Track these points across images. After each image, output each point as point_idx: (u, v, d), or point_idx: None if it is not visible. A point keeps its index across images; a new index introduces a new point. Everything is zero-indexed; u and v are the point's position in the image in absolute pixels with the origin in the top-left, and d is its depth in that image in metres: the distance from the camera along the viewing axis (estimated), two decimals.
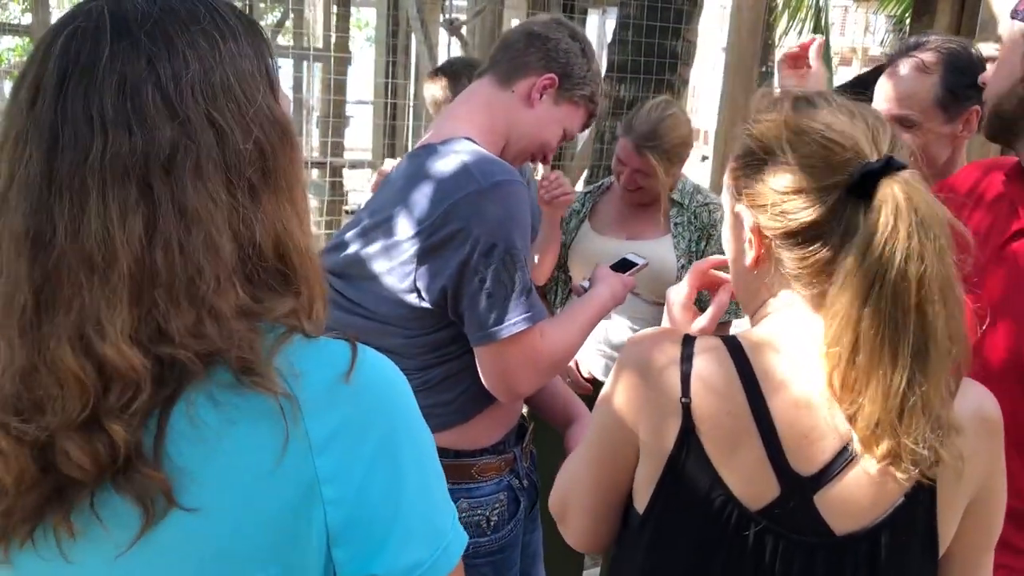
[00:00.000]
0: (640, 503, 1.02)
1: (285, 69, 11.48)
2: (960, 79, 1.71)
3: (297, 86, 7.59)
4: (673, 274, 2.20)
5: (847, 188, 0.89)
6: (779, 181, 0.93)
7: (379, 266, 1.46)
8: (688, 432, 0.97)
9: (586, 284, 1.69)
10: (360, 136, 9.38)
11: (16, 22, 9.54)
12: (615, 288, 1.64)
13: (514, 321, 1.41)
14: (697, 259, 2.20)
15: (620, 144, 2.27)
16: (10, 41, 11.66)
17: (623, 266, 1.74)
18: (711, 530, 0.96)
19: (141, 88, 0.66)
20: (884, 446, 0.88)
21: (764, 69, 6.50)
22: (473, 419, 1.54)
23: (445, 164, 1.42)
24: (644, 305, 2.23)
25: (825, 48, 6.38)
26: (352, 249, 1.50)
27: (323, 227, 5.87)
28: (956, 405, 0.92)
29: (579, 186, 4.67)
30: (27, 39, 6.37)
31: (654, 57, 3.70)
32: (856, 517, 0.93)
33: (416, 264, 1.41)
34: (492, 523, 1.57)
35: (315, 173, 6.21)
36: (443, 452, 1.50)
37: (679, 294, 1.19)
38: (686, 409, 0.97)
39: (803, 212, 0.91)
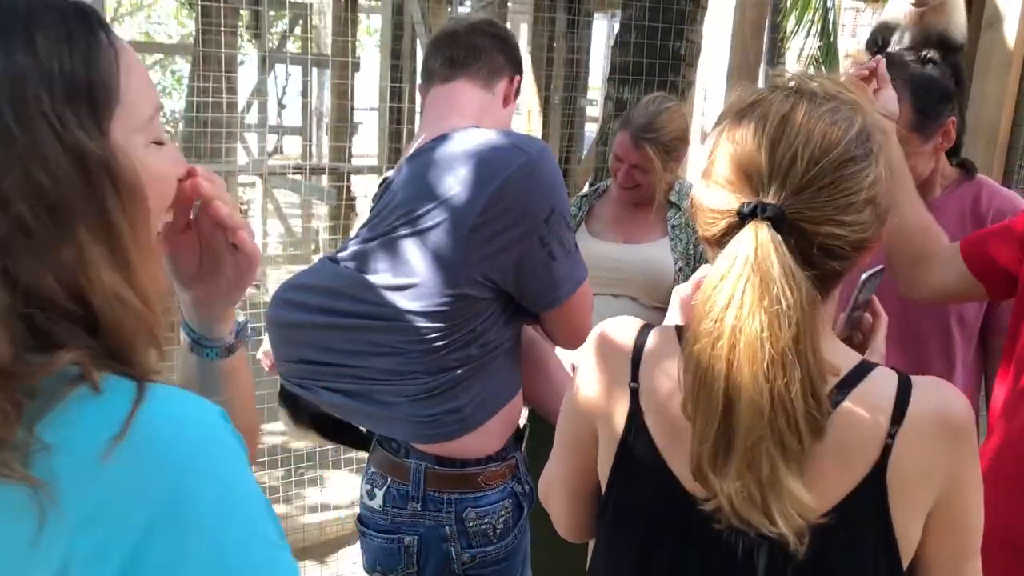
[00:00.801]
0: (603, 486, 1.08)
1: (294, 75, 11.57)
2: (928, 98, 1.76)
3: (305, 91, 7.62)
4: (671, 277, 2.17)
5: (736, 216, 0.92)
6: (699, 192, 0.98)
7: (402, 262, 1.44)
8: (635, 416, 1.02)
9: None
10: (368, 142, 9.40)
11: None
12: None
13: (577, 278, 1.50)
14: (695, 262, 2.18)
15: (618, 139, 2.25)
16: None
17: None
18: (660, 513, 0.99)
19: None
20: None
21: (773, 71, 6.46)
22: (480, 427, 1.53)
23: (478, 146, 1.43)
24: (643, 310, 2.21)
25: (835, 50, 6.34)
26: (367, 253, 1.49)
27: (330, 232, 5.89)
28: (915, 404, 0.92)
29: (584, 190, 4.66)
30: None
31: (656, 59, 3.68)
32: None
33: (472, 244, 1.39)
34: (498, 531, 1.57)
35: (323, 179, 6.21)
36: (449, 462, 1.53)
37: (685, 292, 1.20)
38: (634, 394, 1.02)
39: (706, 227, 0.97)
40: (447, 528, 1.53)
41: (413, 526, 1.55)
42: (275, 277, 8.14)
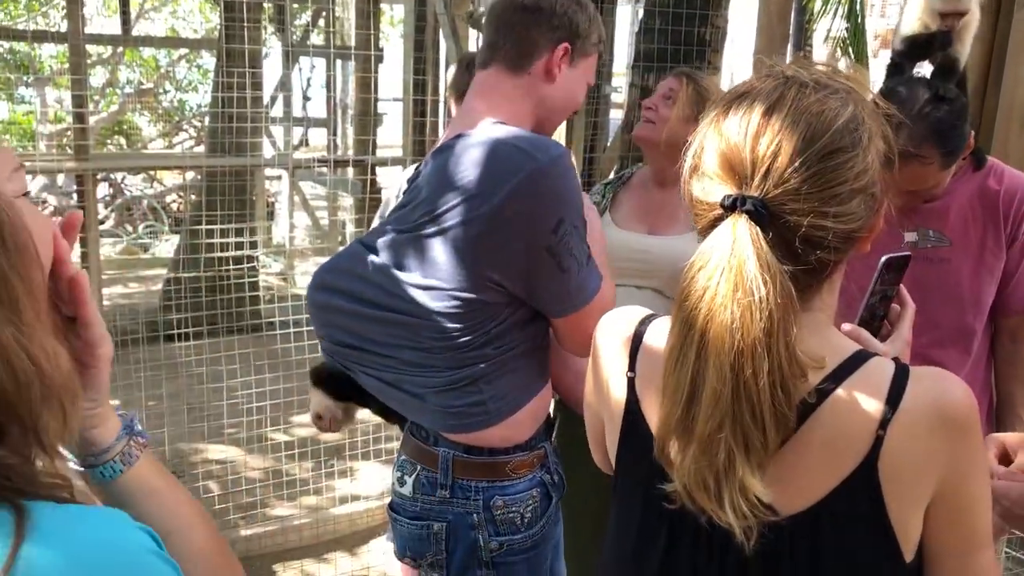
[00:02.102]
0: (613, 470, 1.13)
1: (319, 68, 11.61)
2: (954, 136, 1.79)
3: (329, 84, 7.63)
4: None
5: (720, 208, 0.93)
6: (690, 184, 0.98)
7: (424, 260, 1.44)
8: (632, 404, 1.05)
9: None
10: (393, 133, 9.42)
11: (56, 29, 9.74)
12: None
13: (590, 289, 1.46)
14: None
15: (663, 83, 2.25)
16: (52, 48, 11.91)
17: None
18: (656, 501, 0.99)
19: None
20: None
21: (802, 53, 6.38)
22: (506, 420, 1.53)
23: (493, 148, 1.41)
24: (667, 302, 2.19)
25: (863, 31, 6.25)
26: (396, 246, 1.49)
27: (356, 225, 5.91)
28: (909, 397, 0.91)
29: (610, 177, 4.63)
30: (66, 46, 6.46)
31: (681, 45, 3.64)
32: (793, 498, 0.94)
33: (478, 248, 1.40)
34: (526, 520, 1.58)
35: (349, 171, 6.23)
36: (477, 451, 1.55)
37: None
38: (631, 383, 1.06)
39: (696, 218, 0.98)
40: (475, 515, 1.55)
41: (442, 513, 1.57)
42: (302, 269, 8.19)
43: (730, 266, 0.88)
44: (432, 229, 1.42)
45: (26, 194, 0.72)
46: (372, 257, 1.51)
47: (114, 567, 0.55)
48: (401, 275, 1.47)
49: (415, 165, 2.63)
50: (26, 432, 0.61)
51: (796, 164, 0.90)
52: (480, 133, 1.45)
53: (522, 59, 1.53)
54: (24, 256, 0.64)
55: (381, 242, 1.52)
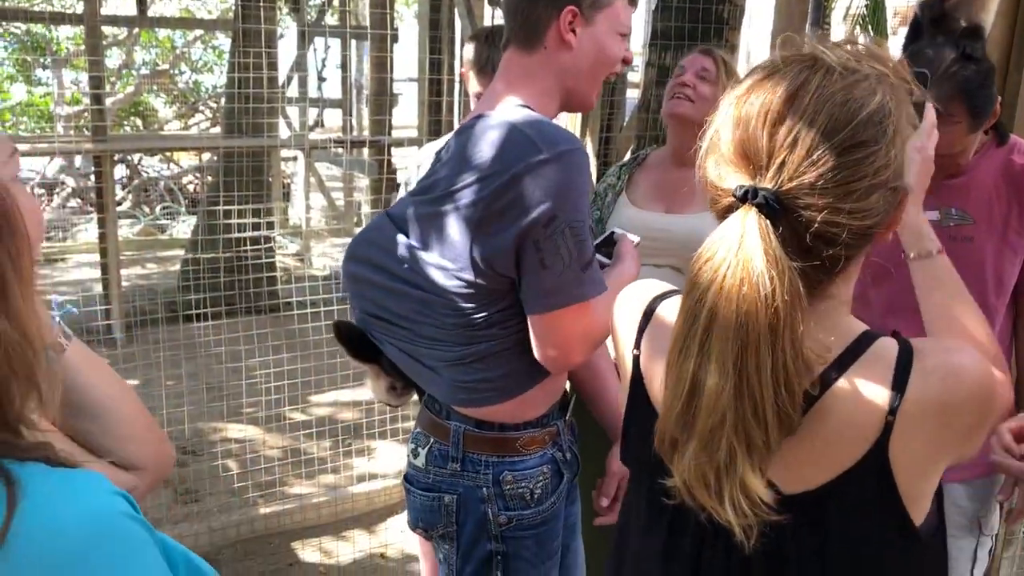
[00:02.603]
0: None
1: (333, 48, 11.58)
2: (983, 97, 1.77)
3: (345, 64, 7.62)
4: None
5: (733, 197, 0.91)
6: (706, 165, 0.96)
7: (438, 238, 1.45)
8: (637, 382, 1.06)
9: (599, 258, 1.67)
10: (408, 113, 9.40)
11: (72, 10, 9.76)
12: (636, 268, 1.63)
13: (571, 295, 1.41)
14: None
15: (686, 58, 2.24)
16: (68, 30, 11.94)
17: (609, 243, 1.71)
18: (659, 479, 0.98)
19: None
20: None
21: (820, 31, 6.30)
22: (517, 397, 1.54)
23: (504, 133, 1.40)
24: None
25: (883, 8, 6.18)
26: (417, 221, 1.50)
27: (372, 206, 5.91)
28: (916, 380, 0.89)
29: (625, 158, 4.61)
30: (82, 27, 6.47)
31: (699, 23, 3.61)
32: (798, 482, 0.93)
33: (476, 233, 1.40)
34: (536, 496, 1.59)
35: (365, 152, 6.23)
36: (487, 425, 1.56)
37: None
38: (636, 361, 1.06)
39: (712, 201, 0.97)
40: (484, 489, 1.57)
41: (452, 485, 1.59)
42: (318, 250, 8.22)
43: (737, 260, 0.86)
44: (448, 206, 1.43)
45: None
46: (399, 235, 1.52)
47: (97, 532, 0.61)
48: (420, 252, 1.48)
49: (432, 143, 2.63)
50: (12, 410, 0.65)
51: (813, 157, 0.86)
52: (498, 115, 1.44)
53: (532, 36, 1.51)
54: (17, 240, 0.68)
55: (408, 216, 1.53)
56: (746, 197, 0.88)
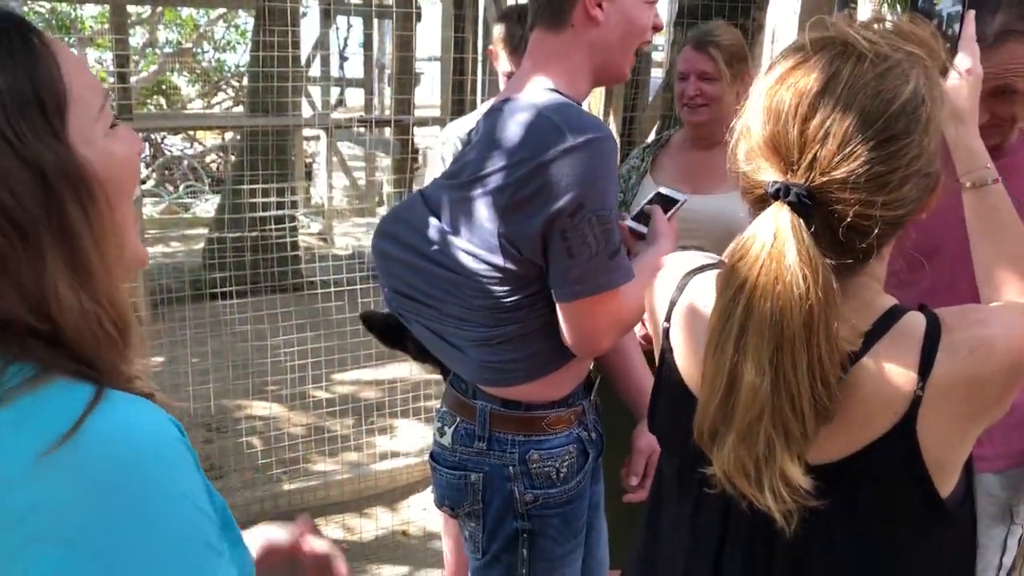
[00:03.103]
0: None
1: (356, 27, 11.57)
2: None
3: (368, 43, 7.61)
4: (740, 232, 2.15)
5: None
6: (738, 151, 0.95)
7: (467, 223, 1.46)
8: (666, 352, 1.08)
9: (634, 226, 1.67)
10: (430, 93, 9.38)
11: None
12: (671, 246, 1.62)
13: (597, 283, 1.41)
14: None
15: (680, 57, 2.27)
16: (93, 9, 11.99)
17: (660, 201, 1.71)
18: (686, 446, 0.99)
19: None
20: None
21: (847, 11, 6.22)
22: (543, 377, 1.55)
23: (531, 118, 1.39)
24: None
25: None
26: (448, 204, 1.51)
27: (395, 185, 5.92)
28: (943, 355, 0.89)
29: (649, 139, 4.58)
30: (107, 6, 6.50)
31: (726, 1, 3.57)
32: (825, 452, 0.93)
33: (503, 219, 1.40)
34: (561, 475, 1.59)
35: (387, 131, 6.23)
36: (514, 404, 1.56)
37: None
38: (666, 333, 1.08)
39: (743, 190, 0.96)
40: (511, 468, 1.57)
41: (479, 464, 1.60)
42: (341, 230, 8.25)
43: (770, 258, 0.87)
44: (477, 191, 1.43)
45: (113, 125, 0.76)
46: (432, 217, 1.52)
47: (155, 446, 0.67)
48: (451, 236, 1.48)
49: (461, 119, 2.63)
50: (99, 372, 0.70)
51: (845, 152, 0.86)
52: (526, 98, 1.44)
53: (558, 15, 1.49)
54: (94, 197, 0.70)
55: (436, 197, 1.53)
56: (778, 194, 0.88)
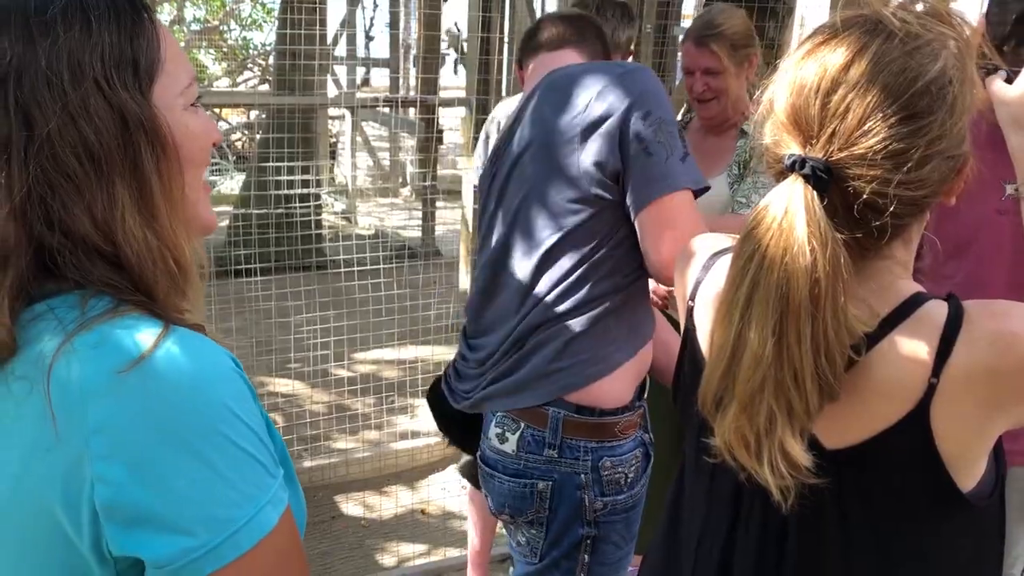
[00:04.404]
0: None
1: (382, 6, 11.53)
2: None
3: (394, 22, 7.59)
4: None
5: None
6: (763, 126, 0.95)
7: (542, 180, 1.51)
8: (689, 331, 1.09)
9: None
10: (456, 73, 9.35)
11: None
12: None
13: (678, 181, 1.45)
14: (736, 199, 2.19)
15: (683, 52, 2.31)
16: None
17: None
18: (703, 437, 0.99)
19: None
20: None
21: None
22: (616, 372, 1.55)
23: (582, 69, 1.55)
24: None
25: None
26: (506, 187, 1.59)
27: (419, 166, 5.92)
28: (962, 345, 0.87)
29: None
30: None
31: None
32: (838, 436, 0.93)
33: (582, 148, 1.46)
34: (629, 480, 1.59)
35: (411, 112, 6.23)
36: (589, 411, 1.55)
37: None
38: (689, 312, 1.09)
39: (767, 164, 0.96)
40: (583, 476, 1.55)
41: (548, 472, 1.56)
42: (364, 210, 8.26)
43: (780, 229, 0.87)
44: (536, 147, 1.53)
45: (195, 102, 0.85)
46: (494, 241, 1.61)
47: (218, 375, 0.76)
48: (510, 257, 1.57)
49: (510, 99, 2.64)
50: (156, 302, 0.78)
51: (865, 127, 0.86)
52: (573, 66, 1.59)
53: (592, 58, 1.75)
54: (167, 153, 0.79)
55: (490, 196, 1.64)
56: (794, 167, 0.88)
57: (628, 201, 1.46)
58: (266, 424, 0.82)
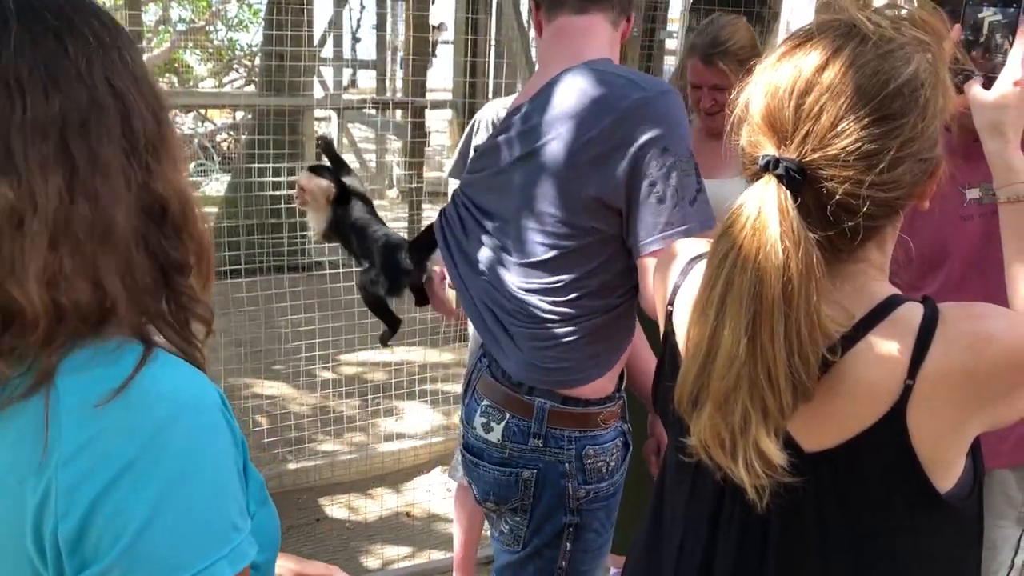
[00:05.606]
0: None
1: (369, 8, 11.51)
2: None
3: (381, 24, 7.57)
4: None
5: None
6: (743, 132, 0.96)
7: (538, 194, 1.46)
8: (668, 336, 1.10)
9: None
10: (441, 75, 9.34)
11: None
12: None
13: (685, 227, 1.40)
14: None
15: (689, 68, 2.29)
16: None
17: None
18: (680, 437, 1.00)
19: (53, 57, 0.73)
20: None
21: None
22: (609, 372, 1.57)
23: (600, 78, 1.43)
24: None
25: None
26: (502, 189, 1.53)
27: (406, 168, 5.90)
28: (937, 346, 0.88)
29: None
30: None
31: None
32: (815, 438, 0.94)
33: (586, 177, 1.41)
34: (610, 468, 1.61)
35: (398, 114, 6.21)
36: (573, 401, 1.55)
37: None
38: (668, 316, 1.09)
39: (744, 166, 0.98)
40: (566, 465, 1.57)
41: (532, 461, 1.58)
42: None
43: (754, 229, 0.88)
44: (549, 156, 1.45)
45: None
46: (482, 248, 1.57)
47: (193, 409, 0.74)
48: (502, 269, 1.53)
49: (497, 100, 2.62)
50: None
51: (838, 129, 0.87)
52: (592, 67, 1.47)
53: (618, 16, 1.58)
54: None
55: (481, 186, 1.58)
56: (768, 167, 0.89)
57: (630, 241, 1.44)
58: (244, 457, 0.80)
